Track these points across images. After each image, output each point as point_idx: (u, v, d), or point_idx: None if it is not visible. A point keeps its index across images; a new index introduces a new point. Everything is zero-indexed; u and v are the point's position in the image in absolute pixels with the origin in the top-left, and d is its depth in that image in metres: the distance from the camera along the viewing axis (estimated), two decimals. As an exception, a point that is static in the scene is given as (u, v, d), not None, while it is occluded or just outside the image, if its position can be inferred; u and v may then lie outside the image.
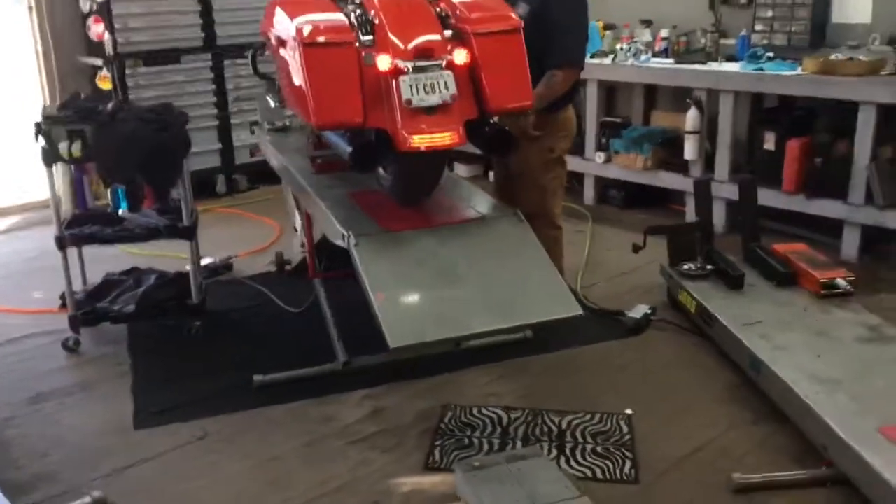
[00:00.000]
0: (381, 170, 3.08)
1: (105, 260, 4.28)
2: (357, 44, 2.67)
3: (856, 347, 3.22)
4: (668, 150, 5.36)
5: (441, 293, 2.61)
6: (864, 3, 4.67)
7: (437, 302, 2.58)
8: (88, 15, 5.64)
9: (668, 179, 5.31)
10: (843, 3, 4.75)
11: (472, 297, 2.61)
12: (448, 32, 2.76)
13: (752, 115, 5.11)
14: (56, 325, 3.93)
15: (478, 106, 2.75)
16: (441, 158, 2.90)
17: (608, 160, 5.58)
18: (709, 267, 3.91)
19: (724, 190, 4.90)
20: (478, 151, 3.15)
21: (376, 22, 2.73)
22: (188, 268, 3.84)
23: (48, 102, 5.75)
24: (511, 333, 3.41)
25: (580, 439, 2.95)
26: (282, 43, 2.90)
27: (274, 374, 3.41)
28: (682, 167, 5.20)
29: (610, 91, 5.83)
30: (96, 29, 5.58)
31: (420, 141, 2.61)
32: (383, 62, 2.60)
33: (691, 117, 4.98)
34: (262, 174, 6.18)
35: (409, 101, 2.57)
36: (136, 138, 3.42)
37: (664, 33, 5.49)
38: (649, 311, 3.85)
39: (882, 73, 4.38)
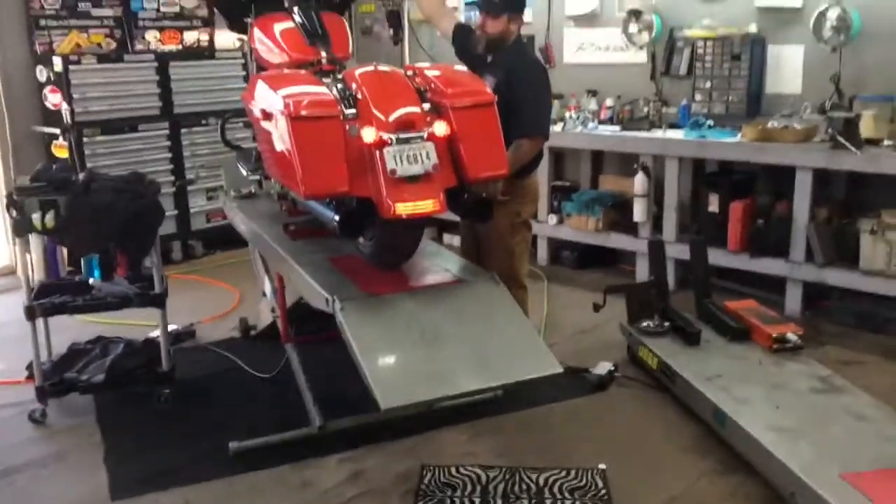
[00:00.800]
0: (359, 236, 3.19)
1: (67, 329, 4.24)
2: (342, 117, 2.79)
3: (811, 398, 3.42)
4: (617, 213, 5.61)
5: (428, 354, 2.70)
6: (794, 76, 5.03)
7: (425, 363, 2.67)
8: (45, 85, 5.66)
9: (618, 240, 5.54)
10: (776, 75, 5.11)
11: (458, 357, 2.71)
12: (426, 105, 2.91)
13: (696, 179, 5.40)
14: (19, 396, 3.88)
15: (456, 175, 2.89)
16: (421, 225, 3.03)
17: (560, 222, 5.79)
18: (666, 324, 4.09)
19: (673, 250, 5.12)
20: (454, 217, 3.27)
21: (359, 96, 2.87)
22: (157, 334, 3.84)
23: (1, 172, 5.72)
24: (485, 392, 3.50)
25: (559, 496, 3.04)
26: (266, 115, 3.01)
27: (249, 440, 3.42)
28: (632, 229, 5.43)
29: (559, 156, 6.08)
30: (53, 98, 5.60)
31: (404, 209, 2.72)
32: (368, 134, 2.72)
33: (639, 181, 5.23)
34: (218, 240, 6.25)
35: (393, 171, 2.69)
36: (111, 208, 3.46)
37: (609, 102, 5.78)
38: (612, 368, 4.00)
39: (814, 139, 4.71)
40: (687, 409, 3.64)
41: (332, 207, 2.85)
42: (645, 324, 4.13)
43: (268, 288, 4.27)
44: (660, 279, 4.24)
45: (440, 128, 2.81)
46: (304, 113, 2.72)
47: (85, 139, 5.61)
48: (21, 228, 3.50)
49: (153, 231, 3.61)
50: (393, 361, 2.68)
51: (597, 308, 4.18)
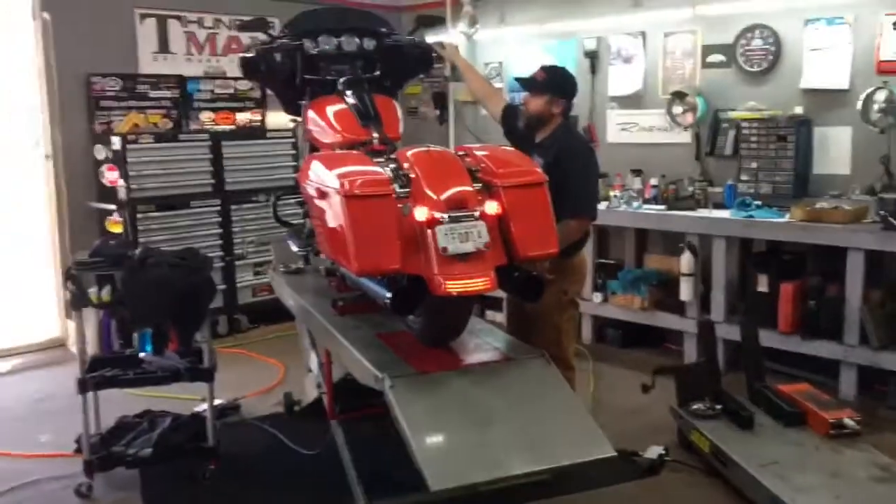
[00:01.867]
0: (408, 313, 3.20)
1: (114, 402, 4.27)
2: (395, 195, 2.83)
3: (871, 487, 3.30)
4: (663, 291, 5.56)
5: (479, 435, 2.67)
6: (843, 156, 5.02)
7: (476, 444, 2.64)
8: (103, 163, 5.85)
9: (665, 319, 5.48)
10: (823, 155, 5.10)
11: (509, 438, 2.67)
12: (477, 185, 2.95)
13: (743, 259, 5.35)
14: (66, 469, 3.89)
15: (506, 253, 2.90)
16: (470, 302, 3.03)
17: (605, 300, 5.76)
18: (718, 407, 4.00)
19: (722, 330, 5.05)
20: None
21: (412, 176, 2.91)
22: (203, 408, 3.85)
23: (56, 245, 5.88)
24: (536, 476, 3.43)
25: (611, 584, 2.94)
26: (321, 194, 3.07)
27: (294, 521, 3.38)
28: (678, 308, 5.38)
29: (603, 234, 6.08)
30: (110, 176, 5.78)
31: (455, 286, 2.74)
32: (421, 213, 2.76)
33: (685, 260, 5.20)
34: (264, 314, 6.30)
35: (444, 249, 2.71)
36: (167, 283, 3.52)
37: (654, 181, 5.79)
38: (663, 452, 3.90)
39: (865, 220, 4.66)
40: (741, 496, 3.52)
41: (384, 284, 2.87)
42: (696, 406, 4.05)
43: (314, 363, 4.28)
44: (711, 360, 4.17)
45: (491, 207, 2.84)
46: (358, 192, 2.77)
47: (139, 215, 5.75)
48: (78, 302, 3.58)
49: (206, 306, 3.66)
50: (443, 441, 2.65)
51: (646, 389, 4.11)
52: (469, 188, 2.87)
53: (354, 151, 3.40)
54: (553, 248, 2.95)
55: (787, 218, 4.89)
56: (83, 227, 5.91)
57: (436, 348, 3.13)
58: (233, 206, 6.21)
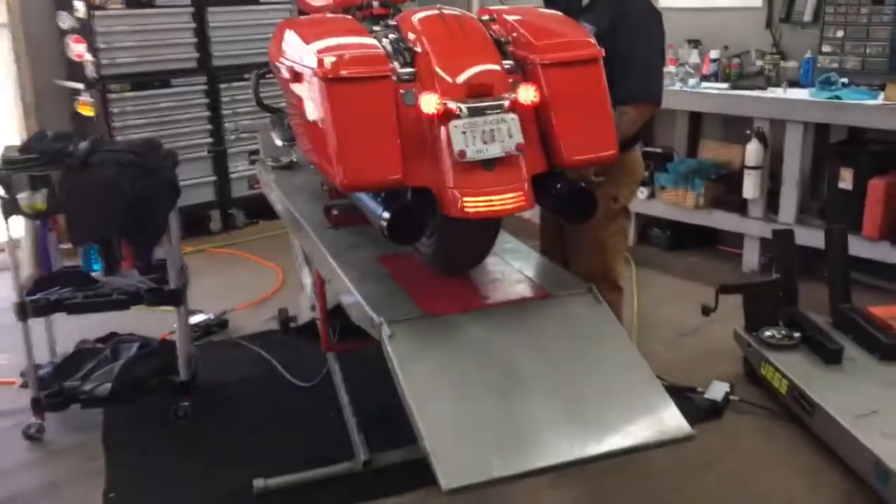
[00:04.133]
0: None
1: (78, 319, 3.64)
2: (394, 78, 2.06)
3: None
4: (722, 187, 4.76)
5: (506, 408, 1.98)
6: (955, 23, 4.09)
7: (502, 421, 1.95)
8: (68, 33, 5.02)
9: (723, 220, 4.70)
10: (930, 22, 4.17)
11: (546, 412, 1.98)
12: (507, 63, 2.17)
13: (819, 150, 4.51)
14: (18, 402, 3.29)
15: (546, 157, 2.15)
16: (496, 223, 2.30)
17: (652, 195, 4.96)
18: (796, 335, 3.29)
19: (791, 234, 4.30)
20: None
21: (418, 50, 2.13)
22: (176, 336, 3.20)
23: (24, 131, 5.13)
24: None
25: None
26: (295, 76, 2.29)
27: (279, 477, 2.78)
28: (740, 207, 4.59)
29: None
30: (76, 49, 4.96)
31: (476, 205, 2.01)
32: (429, 102, 1.99)
33: (753, 151, 4.37)
34: (263, 208, 5.55)
35: (462, 154, 1.97)
36: (114, 187, 2.80)
37: (714, 54, 4.89)
38: (728, 390, 3.22)
39: (980, 103, 3.79)
40: (828, 449, 2.86)
41: (381, 200, 2.13)
42: (768, 333, 3.34)
43: (307, 279, 3.60)
44: (788, 277, 3.43)
45: (527, 93, 2.07)
46: (343, 73, 2.01)
47: (112, 95, 4.97)
48: (7, 209, 2.88)
49: (164, 214, 2.96)
50: (459, 419, 1.97)
51: (707, 311, 3.40)
52: (496, 67, 2.10)
53: (343, 16, 2.60)
54: (610, 148, 2.19)
55: (880, 100, 4.02)
56: (52, 111, 5.15)
57: (451, 277, 2.42)
58: (222, 85, 5.38)
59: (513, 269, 2.49)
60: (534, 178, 2.09)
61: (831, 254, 3.46)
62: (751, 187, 4.42)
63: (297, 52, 2.25)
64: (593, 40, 2.21)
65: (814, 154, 4.51)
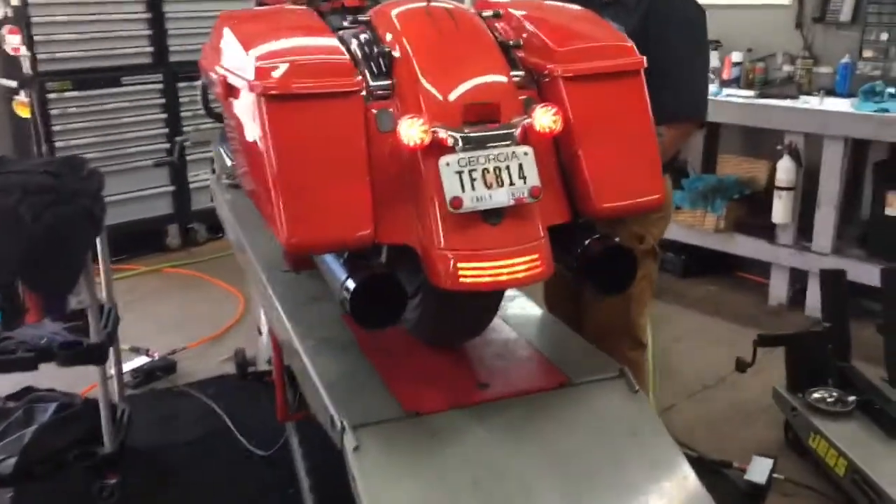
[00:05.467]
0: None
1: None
2: (364, 94, 1.50)
3: None
4: (745, 208, 4.21)
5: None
6: None
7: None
8: (2, 23, 4.40)
9: (747, 246, 4.14)
10: None
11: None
12: (516, 74, 1.61)
13: (855, 169, 3.97)
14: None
15: (569, 203, 1.60)
16: (500, 293, 1.74)
17: (664, 216, 4.40)
18: (851, 398, 2.75)
19: (826, 265, 3.75)
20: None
21: (396, 55, 1.56)
22: (101, 400, 2.61)
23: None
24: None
25: None
26: (229, 90, 1.70)
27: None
28: (767, 231, 4.04)
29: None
30: (11, 41, 4.34)
31: (477, 273, 1.45)
32: (411, 129, 1.43)
33: (785, 169, 3.82)
34: (226, 222, 5.01)
35: (456, 202, 1.42)
36: (11, 221, 2.21)
37: (736, 58, 4.35)
38: (772, 468, 2.67)
39: None
40: (902, 553, 2.32)
41: (344, 262, 1.55)
42: (817, 395, 2.80)
43: (264, 324, 3.02)
44: (840, 328, 2.88)
45: (545, 117, 1.51)
46: (291, 87, 1.44)
47: (51, 95, 4.35)
48: None
49: (81, 253, 2.36)
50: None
51: (742, 367, 2.87)
52: (503, 79, 1.54)
53: (300, 7, 2.03)
54: (654, 191, 1.64)
55: (936, 113, 3.49)
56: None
57: (439, 351, 1.85)
58: (180, 84, 4.77)
59: (519, 339, 1.92)
60: (552, 231, 1.54)
61: (890, 299, 2.92)
62: (781, 210, 3.87)
63: (233, 57, 1.67)
64: (632, 44, 1.65)
65: (850, 174, 3.96)
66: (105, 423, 2.58)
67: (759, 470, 2.64)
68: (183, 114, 4.79)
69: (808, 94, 4.00)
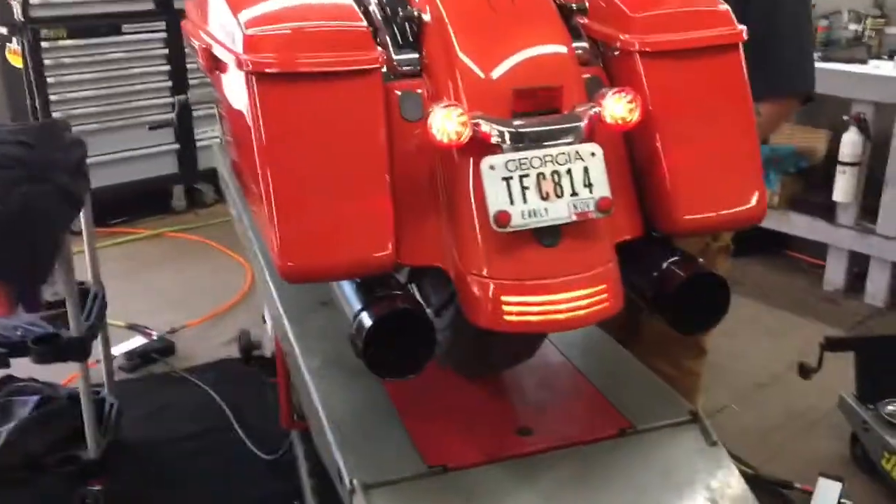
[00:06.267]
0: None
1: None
2: (381, 71, 1.16)
3: None
4: (801, 183, 3.83)
5: None
6: None
7: None
8: (-10, -38, 4.05)
9: (803, 226, 3.76)
10: None
11: None
12: (579, 45, 1.28)
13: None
14: None
15: (642, 216, 1.26)
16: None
17: (709, 189, 4.03)
18: (933, 414, 2.43)
19: (892, 250, 3.41)
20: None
21: (426, 18, 1.22)
22: (84, 400, 2.32)
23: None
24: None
25: None
26: (215, 64, 1.36)
27: None
28: (826, 210, 3.66)
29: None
30: (1, -18, 3.99)
31: (527, 310, 1.13)
32: (445, 121, 1.10)
33: (850, 143, 3.44)
34: (236, 183, 4.68)
35: (502, 218, 1.10)
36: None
37: (795, 14, 3.91)
38: (840, 493, 2.35)
39: None
40: None
41: (357, 288, 1.22)
42: (891, 407, 2.47)
43: (269, 314, 2.72)
44: (919, 332, 2.55)
45: (619, 105, 1.18)
46: (293, 63, 1.12)
47: (45, 44, 3.99)
48: None
49: (51, 240, 2.04)
50: None
51: (806, 373, 2.54)
52: (566, 55, 1.20)
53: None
54: (754, 199, 1.28)
55: None
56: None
57: (473, 384, 1.52)
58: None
59: (568, 366, 1.59)
60: (621, 250, 1.21)
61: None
62: (843, 188, 3.49)
63: (218, 22, 1.32)
64: (727, 9, 1.30)
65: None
66: (88, 426, 2.29)
67: (826, 495, 2.32)
68: (189, 65, 4.41)
69: (879, 57, 3.59)
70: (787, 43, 1.83)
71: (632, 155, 1.27)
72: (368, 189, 1.12)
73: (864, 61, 3.53)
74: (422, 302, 1.20)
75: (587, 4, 1.28)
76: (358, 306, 1.16)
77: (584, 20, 1.29)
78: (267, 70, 1.09)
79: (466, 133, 1.10)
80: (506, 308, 1.12)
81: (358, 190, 1.12)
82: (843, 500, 2.35)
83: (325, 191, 1.11)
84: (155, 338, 3.22)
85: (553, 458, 1.35)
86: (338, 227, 1.11)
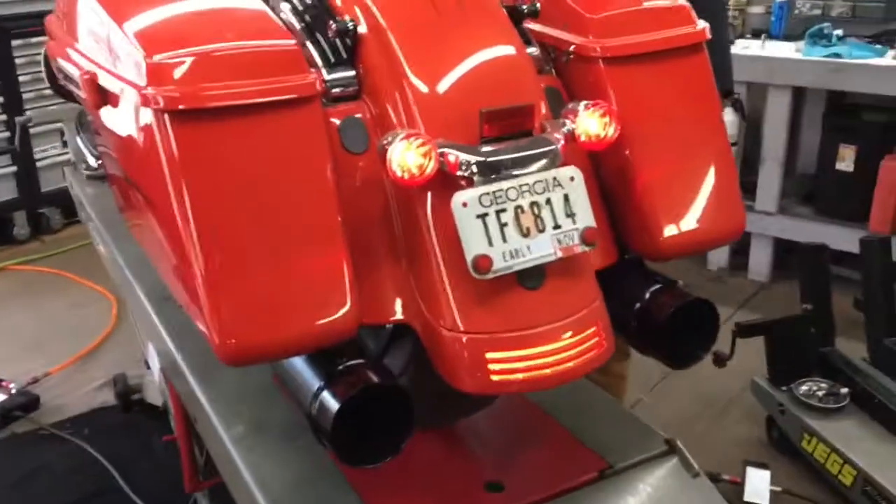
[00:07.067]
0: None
1: None
2: (321, 99, 0.97)
3: None
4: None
5: None
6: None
7: None
8: None
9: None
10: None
11: None
12: (531, 50, 1.13)
13: (797, 121, 3.67)
14: None
15: (615, 241, 1.14)
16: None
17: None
18: (843, 390, 2.45)
19: (771, 225, 3.49)
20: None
21: (361, 29, 1.03)
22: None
23: None
24: None
25: None
26: (103, 97, 1.11)
27: None
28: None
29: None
30: None
31: (515, 369, 0.97)
32: (406, 154, 0.93)
33: (727, 123, 3.44)
34: (85, 204, 4.24)
35: (483, 263, 0.94)
36: None
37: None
38: (767, 480, 2.34)
39: None
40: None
41: (311, 365, 1.01)
42: (805, 388, 2.48)
43: (153, 358, 2.43)
44: (822, 310, 2.57)
45: (591, 120, 1.03)
46: (216, 95, 0.90)
47: None
48: None
49: None
50: None
51: (721, 362, 2.49)
52: (530, 66, 1.06)
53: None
54: (733, 214, 1.18)
55: (889, 58, 3.20)
56: None
57: (431, 435, 1.35)
58: (15, 41, 3.93)
59: (534, 408, 1.43)
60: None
61: (870, 273, 2.62)
62: (723, 168, 3.53)
63: (104, 41, 1.07)
64: (688, 6, 1.18)
65: (792, 125, 3.66)
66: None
67: (756, 486, 2.31)
68: (22, 78, 3.96)
69: (743, 37, 3.66)
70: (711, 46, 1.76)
71: (597, 171, 1.14)
72: (320, 239, 0.93)
73: (731, 42, 3.57)
74: (391, 370, 1.01)
75: (537, 5, 1.13)
76: (316, 383, 0.96)
77: (534, 24, 1.15)
78: (182, 107, 0.87)
79: (431, 166, 0.93)
80: (491, 367, 0.96)
81: (307, 242, 0.93)
82: (773, 487, 2.35)
83: (268, 247, 0.91)
84: (14, 391, 2.82)
85: (531, 513, 1.21)
86: (287, 291, 0.91)
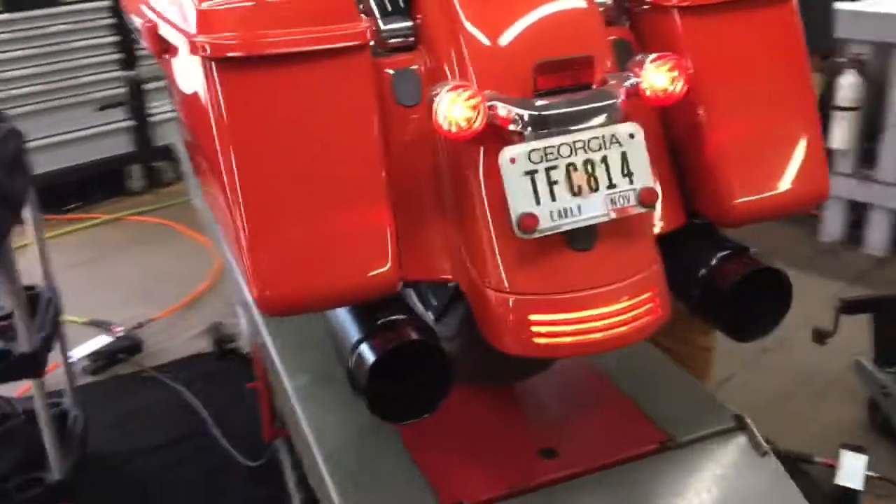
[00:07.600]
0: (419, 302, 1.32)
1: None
2: (371, 49, 0.94)
3: None
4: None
5: None
6: None
7: None
8: None
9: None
10: None
11: None
12: (601, 1, 1.07)
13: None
14: None
15: (684, 202, 1.08)
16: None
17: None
18: (959, 377, 2.29)
19: (892, 197, 3.26)
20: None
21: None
22: (42, 418, 2.10)
23: None
24: None
25: None
26: (164, 46, 1.13)
27: None
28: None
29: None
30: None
31: (559, 332, 0.93)
32: (453, 106, 0.89)
33: (848, 86, 3.25)
34: (196, 158, 4.40)
35: (528, 222, 0.89)
36: None
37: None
38: (864, 466, 2.22)
39: None
40: None
41: (355, 317, 1.01)
42: (914, 373, 2.34)
43: (241, 309, 2.50)
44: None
45: (658, 74, 0.96)
46: (261, 44, 0.89)
47: (-24, 19, 3.68)
48: None
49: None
50: None
51: (821, 338, 2.38)
52: (594, 16, 0.99)
53: None
54: (816, 178, 1.10)
55: None
56: None
57: (487, 399, 1.33)
58: None
59: (595, 373, 1.39)
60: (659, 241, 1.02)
61: None
62: (841, 134, 3.31)
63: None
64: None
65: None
66: (49, 445, 2.07)
67: (851, 470, 2.18)
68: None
69: (873, -7, 3.40)
70: (815, 3, 1.64)
71: (666, 129, 1.08)
72: (362, 194, 0.92)
73: (847, -2, 3.33)
74: (432, 328, 0.99)
75: (608, -51, 1.07)
76: (356, 336, 0.95)
77: (606, -27, 1.09)
78: (229, 54, 0.87)
79: (479, 119, 0.89)
80: (535, 330, 0.92)
81: (349, 196, 0.91)
82: (868, 473, 2.22)
83: (309, 200, 0.90)
84: (120, 334, 2.98)
85: (585, 483, 1.17)
86: (326, 244, 0.91)
